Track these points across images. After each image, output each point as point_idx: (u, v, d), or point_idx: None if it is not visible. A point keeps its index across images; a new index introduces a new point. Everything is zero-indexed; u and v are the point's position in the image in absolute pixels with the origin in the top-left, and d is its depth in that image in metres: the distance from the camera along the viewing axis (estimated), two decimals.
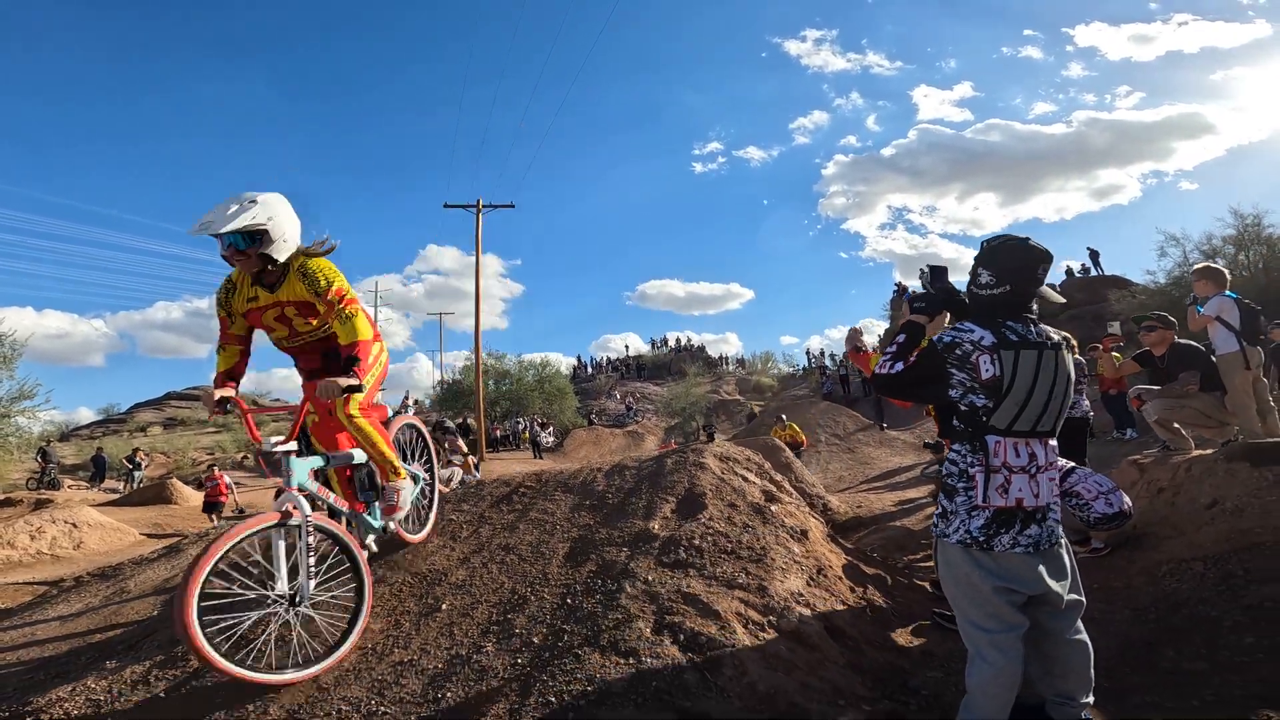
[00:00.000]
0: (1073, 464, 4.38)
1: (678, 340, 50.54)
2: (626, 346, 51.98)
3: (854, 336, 3.46)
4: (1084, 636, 2.37)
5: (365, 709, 2.71)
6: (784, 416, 11.30)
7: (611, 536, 3.74)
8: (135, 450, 20.32)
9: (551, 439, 27.06)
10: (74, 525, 11.06)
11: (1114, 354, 7.92)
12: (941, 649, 3.28)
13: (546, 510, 4.19)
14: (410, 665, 2.98)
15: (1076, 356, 6.42)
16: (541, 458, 23.16)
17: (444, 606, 3.37)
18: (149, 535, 11.71)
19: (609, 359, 50.14)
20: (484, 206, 21.75)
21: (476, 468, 12.54)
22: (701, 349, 49.68)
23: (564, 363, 38.86)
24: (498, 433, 27.59)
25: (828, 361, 33.77)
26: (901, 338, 2.51)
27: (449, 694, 2.73)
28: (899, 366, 2.43)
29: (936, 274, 2.69)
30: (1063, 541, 2.39)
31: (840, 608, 3.37)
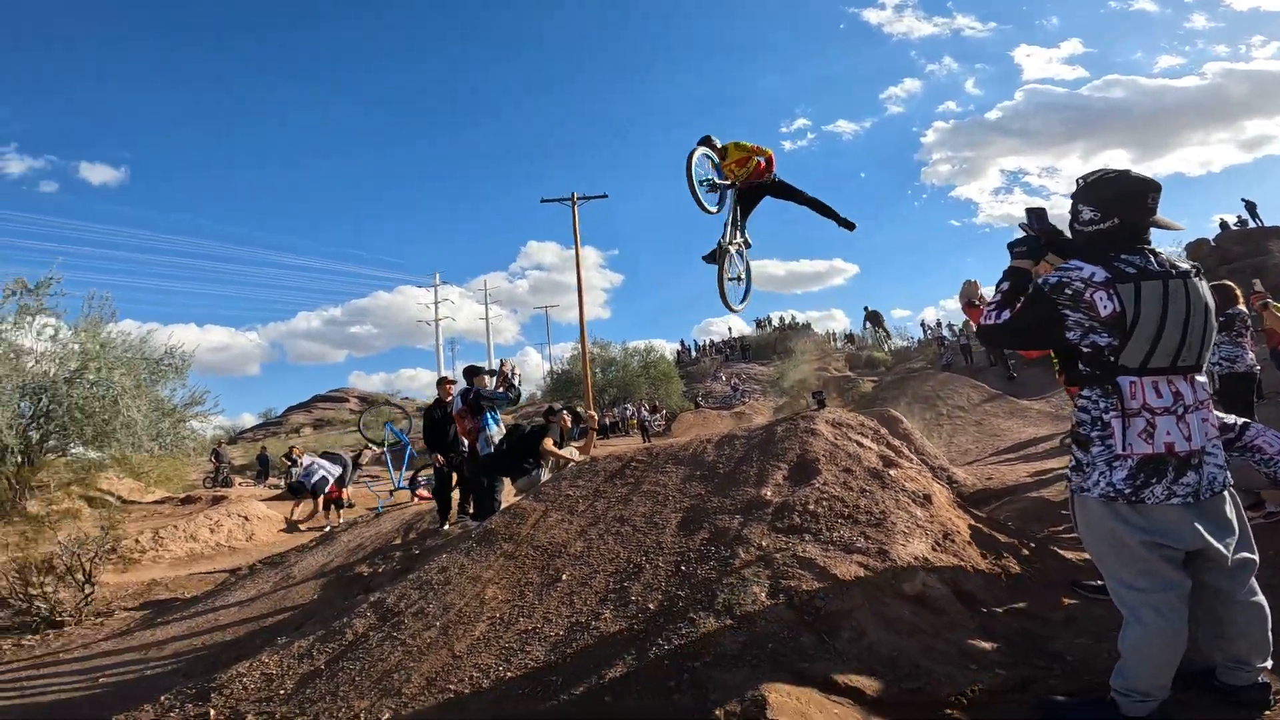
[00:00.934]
0: (1245, 420, 3.91)
1: (781, 319, 49.54)
2: (730, 329, 51.56)
3: (969, 291, 3.26)
4: (1260, 598, 2.15)
5: (494, 675, 2.90)
6: (716, 141, 5.33)
7: (723, 505, 3.76)
8: (291, 449, 22.44)
9: (660, 423, 27.35)
10: (245, 518, 12.42)
11: (1275, 304, 6.99)
12: (1088, 615, 3.04)
13: (658, 482, 4.26)
14: (534, 633, 3.14)
15: (1240, 308, 5.71)
16: (650, 442, 23.48)
17: (564, 577, 3.53)
18: (284, 531, 12.92)
19: (712, 342, 49.97)
20: (578, 199, 22.11)
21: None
22: (807, 326, 48.28)
23: (668, 348, 39.07)
24: (607, 420, 28.21)
25: (945, 332, 31.89)
26: (1005, 285, 2.40)
27: (569, 659, 2.86)
28: (1005, 315, 2.32)
29: (1035, 216, 2.53)
30: (1227, 491, 2.15)
31: (970, 573, 3.20)
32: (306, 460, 12.10)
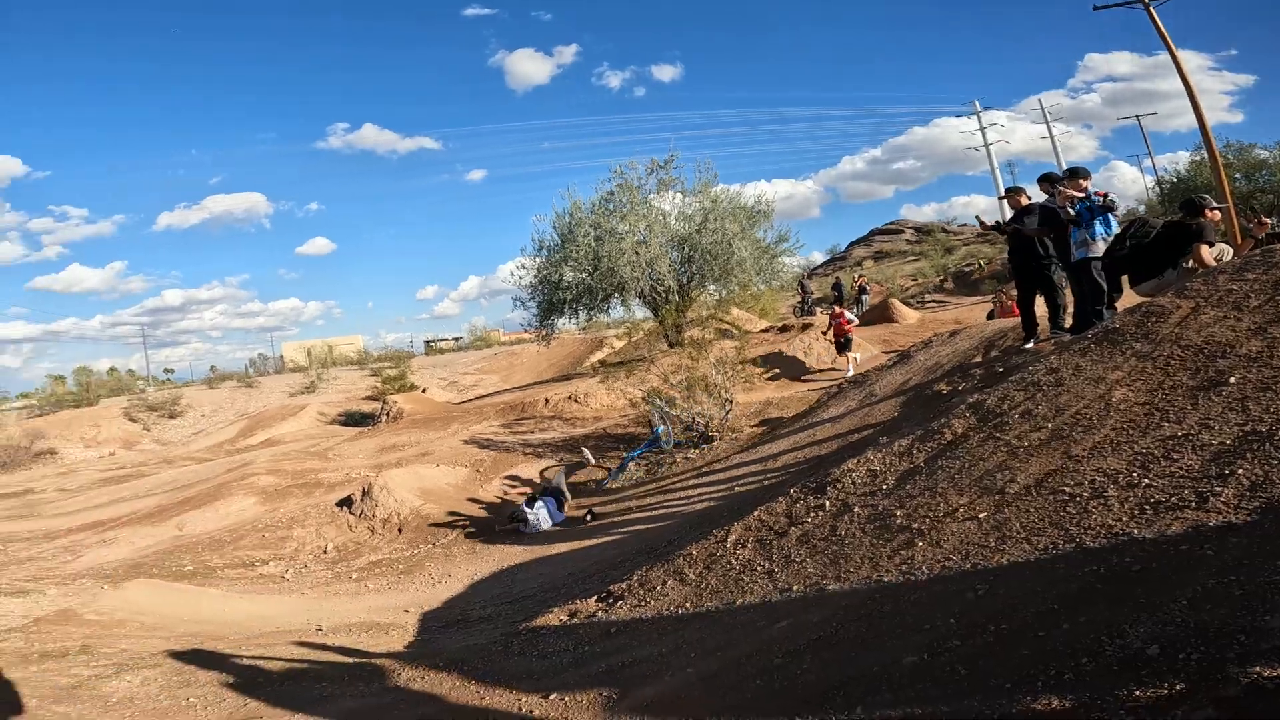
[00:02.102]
0: None
1: None
2: None
3: None
4: None
5: (1124, 480, 2.61)
6: None
7: None
8: (858, 277, 24.10)
9: None
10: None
11: None
12: None
13: None
14: (1184, 439, 2.68)
15: None
16: None
17: (1232, 380, 2.87)
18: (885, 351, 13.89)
19: None
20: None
21: None
22: None
23: None
24: (1261, 231, 20.62)
25: None
26: None
27: (1239, 470, 2.35)
28: None
29: None
30: None
31: None
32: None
